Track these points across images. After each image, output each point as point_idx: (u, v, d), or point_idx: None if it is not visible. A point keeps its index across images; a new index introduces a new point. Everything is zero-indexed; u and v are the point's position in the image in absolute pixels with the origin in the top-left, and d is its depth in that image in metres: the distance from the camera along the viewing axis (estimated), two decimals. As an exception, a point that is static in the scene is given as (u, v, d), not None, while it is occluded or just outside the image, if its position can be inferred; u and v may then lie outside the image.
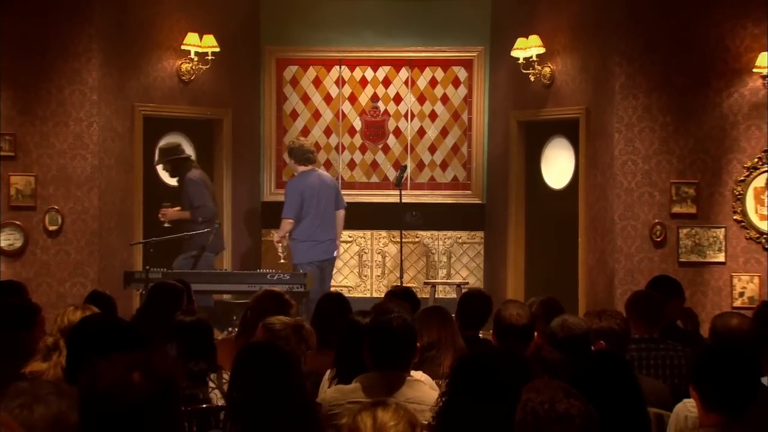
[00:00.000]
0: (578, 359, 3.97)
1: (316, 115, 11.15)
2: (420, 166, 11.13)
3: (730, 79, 9.15)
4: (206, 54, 10.03)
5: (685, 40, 9.20)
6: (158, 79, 10.04)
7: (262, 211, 10.94)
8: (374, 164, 11.17)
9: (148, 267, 9.00)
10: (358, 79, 11.10)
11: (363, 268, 11.14)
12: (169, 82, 10.12)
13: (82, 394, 2.66)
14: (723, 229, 9.20)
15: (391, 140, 11.15)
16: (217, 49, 10.03)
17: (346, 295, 7.50)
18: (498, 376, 3.48)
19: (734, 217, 9.19)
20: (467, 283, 10.44)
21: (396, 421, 2.96)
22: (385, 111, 11.13)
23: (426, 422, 3.69)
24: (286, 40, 11.06)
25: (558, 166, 10.31)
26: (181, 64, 10.09)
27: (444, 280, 10.88)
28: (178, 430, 2.73)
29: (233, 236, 10.66)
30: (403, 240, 10.43)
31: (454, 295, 10.04)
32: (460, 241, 11.10)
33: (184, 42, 9.96)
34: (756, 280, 9.13)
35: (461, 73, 11.05)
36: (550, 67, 9.99)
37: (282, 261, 9.82)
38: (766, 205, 9.13)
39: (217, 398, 4.79)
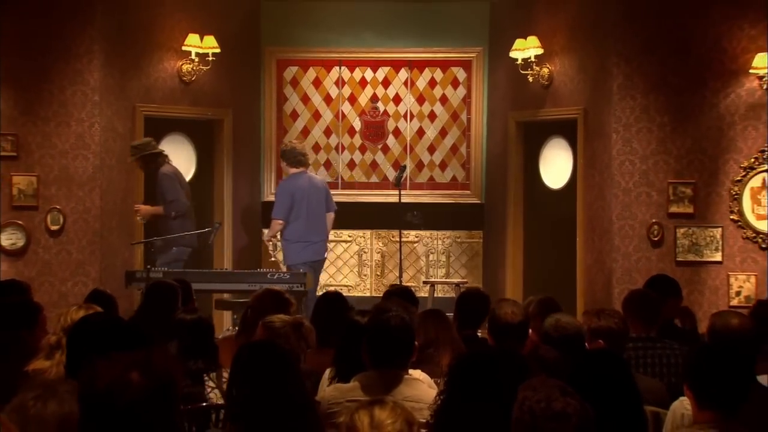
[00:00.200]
0: (575, 358, 3.98)
1: (316, 115, 11.18)
2: (419, 166, 11.17)
3: (727, 79, 9.17)
4: (207, 55, 10.05)
5: (682, 41, 9.23)
6: (159, 79, 10.07)
7: (263, 210, 10.95)
8: (374, 164, 11.20)
9: (149, 266, 9.06)
10: (357, 80, 11.13)
11: (362, 267, 11.17)
12: (170, 83, 10.14)
13: (81, 392, 2.68)
14: (720, 229, 9.23)
15: (391, 140, 11.17)
16: (218, 50, 10.05)
17: (346, 294, 7.56)
18: (496, 375, 3.49)
19: (731, 217, 9.22)
20: (466, 283, 10.43)
21: (393, 420, 2.98)
22: (385, 111, 11.15)
23: (424, 420, 3.70)
24: (287, 41, 11.07)
25: (556, 166, 10.32)
26: (182, 64, 10.12)
27: (443, 280, 10.90)
28: (178, 430, 2.73)
29: (233, 236, 10.70)
30: (403, 239, 10.44)
31: (453, 295, 10.06)
32: (459, 240, 11.13)
33: (185, 43, 9.97)
34: (752, 279, 9.16)
35: (460, 74, 11.08)
36: (548, 67, 10.01)
37: (273, 259, 9.88)
38: (762, 204, 9.17)
39: (216, 398, 4.79)
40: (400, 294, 6.38)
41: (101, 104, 9.52)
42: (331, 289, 10.07)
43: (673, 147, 9.28)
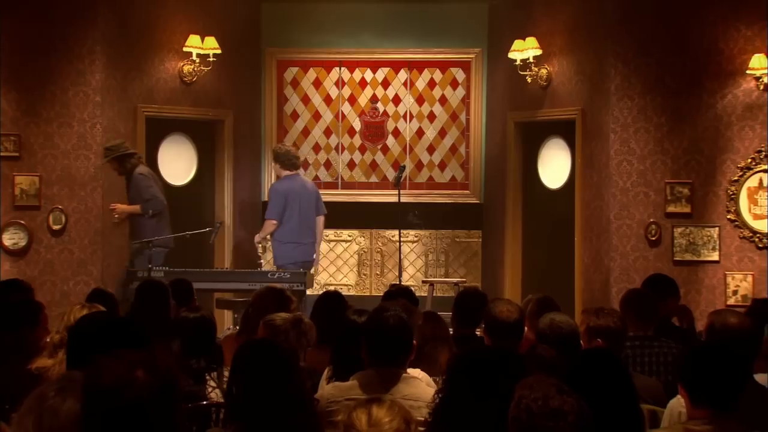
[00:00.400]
0: (572, 357, 3.99)
1: (317, 116, 11.21)
2: (419, 166, 11.20)
3: (723, 80, 9.21)
4: (208, 56, 10.08)
5: (679, 43, 9.26)
6: (160, 80, 10.09)
7: (263, 210, 10.96)
8: (373, 164, 11.24)
9: (150, 265, 9.10)
10: (357, 81, 11.16)
11: (362, 266, 11.21)
12: (172, 84, 10.17)
13: (85, 388, 2.68)
14: (717, 229, 9.26)
15: (390, 141, 11.20)
16: (219, 51, 10.08)
17: (346, 293, 7.61)
18: (494, 373, 3.46)
19: (728, 217, 9.24)
20: (465, 282, 10.42)
21: (391, 418, 3.00)
22: (384, 112, 11.19)
23: (423, 418, 3.69)
24: (287, 42, 11.10)
25: (554, 166, 10.34)
26: (183, 65, 10.14)
27: (442, 279, 10.92)
28: (180, 428, 2.74)
29: (234, 235, 10.74)
30: (402, 239, 10.47)
31: (452, 294, 10.07)
32: (458, 240, 11.16)
33: (186, 44, 9.99)
34: (749, 278, 9.19)
35: (459, 75, 11.12)
36: (546, 68, 10.03)
37: (261, 261, 9.92)
38: (759, 204, 9.20)
39: (217, 397, 4.79)
40: (399, 294, 6.38)
41: (103, 105, 9.55)
42: (331, 288, 10.14)
43: (670, 147, 9.31)
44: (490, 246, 11.03)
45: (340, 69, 11.18)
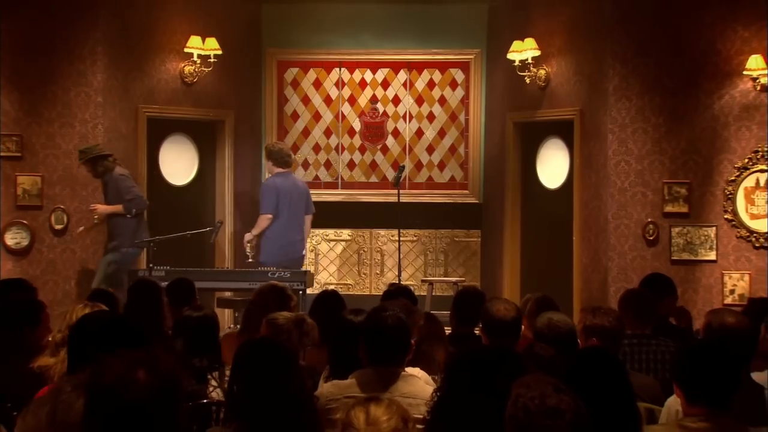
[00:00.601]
0: (569, 356, 4.00)
1: (317, 116, 11.24)
2: (418, 166, 11.23)
3: (720, 81, 9.24)
4: (209, 57, 10.11)
5: (676, 44, 9.29)
6: (162, 81, 10.12)
7: (262, 210, 11.02)
8: (373, 164, 11.27)
9: (151, 265, 9.11)
10: (357, 81, 11.19)
11: (362, 266, 11.23)
12: (173, 84, 10.20)
13: (87, 387, 2.69)
14: (714, 228, 9.29)
15: (390, 141, 11.23)
16: (220, 52, 10.11)
17: (345, 293, 7.64)
18: (492, 372, 3.45)
19: (725, 216, 9.27)
20: (464, 281, 10.47)
21: (389, 416, 3.00)
22: (384, 112, 11.21)
23: (421, 416, 3.70)
24: (287, 43, 11.13)
25: (553, 166, 10.36)
26: (184, 66, 10.18)
27: (441, 278, 10.94)
28: (181, 428, 2.73)
29: (234, 235, 10.76)
30: (401, 239, 10.49)
31: (451, 293, 10.08)
32: (457, 239, 11.19)
33: (187, 45, 10.03)
34: (746, 277, 9.21)
35: (458, 75, 11.14)
36: (545, 69, 10.06)
37: (250, 260, 9.93)
38: (756, 204, 9.23)
39: (218, 396, 4.78)
40: (400, 294, 6.41)
41: (104, 105, 9.59)
42: (331, 287, 10.18)
43: (668, 147, 9.34)
44: (489, 245, 11.05)
45: (340, 69, 11.20)
